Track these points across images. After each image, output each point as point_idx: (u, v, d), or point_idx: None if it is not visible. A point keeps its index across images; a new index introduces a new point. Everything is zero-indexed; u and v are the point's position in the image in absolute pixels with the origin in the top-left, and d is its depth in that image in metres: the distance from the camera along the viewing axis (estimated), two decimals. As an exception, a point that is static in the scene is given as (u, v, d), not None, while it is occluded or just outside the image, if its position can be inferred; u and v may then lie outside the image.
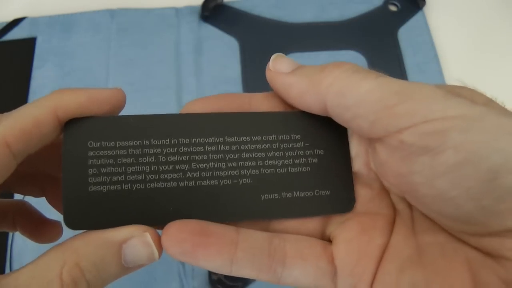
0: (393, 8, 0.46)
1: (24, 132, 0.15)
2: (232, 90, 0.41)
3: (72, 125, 0.16)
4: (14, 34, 0.43)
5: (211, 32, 0.44)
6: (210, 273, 0.34)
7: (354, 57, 0.43)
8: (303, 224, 0.17)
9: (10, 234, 0.35)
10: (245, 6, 0.45)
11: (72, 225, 0.15)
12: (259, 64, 0.43)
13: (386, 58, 0.43)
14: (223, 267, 0.16)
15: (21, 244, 0.34)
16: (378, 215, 0.17)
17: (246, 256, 0.16)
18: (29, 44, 0.43)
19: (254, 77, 0.42)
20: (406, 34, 0.44)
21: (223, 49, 0.43)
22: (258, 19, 0.45)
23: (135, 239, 0.15)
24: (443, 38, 0.44)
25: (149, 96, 0.41)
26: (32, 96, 0.40)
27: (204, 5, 0.44)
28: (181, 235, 0.15)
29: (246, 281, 0.34)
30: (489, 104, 0.15)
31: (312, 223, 0.17)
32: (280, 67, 0.17)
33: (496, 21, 0.46)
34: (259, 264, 0.16)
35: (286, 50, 0.43)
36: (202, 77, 0.42)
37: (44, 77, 0.41)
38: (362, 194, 0.18)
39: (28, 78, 0.41)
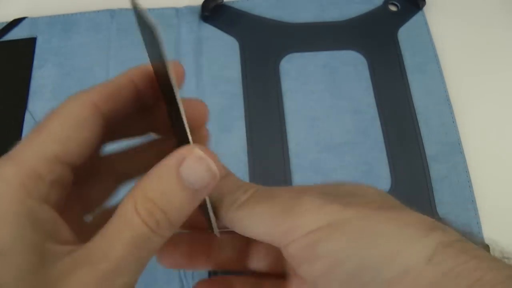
0: (393, 8, 0.46)
1: (109, 95, 0.17)
2: (232, 90, 0.41)
3: None
4: (14, 34, 0.43)
5: (211, 32, 0.44)
6: (210, 273, 0.34)
7: (354, 57, 0.43)
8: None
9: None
10: (245, 6, 0.45)
11: None
12: (259, 64, 0.43)
13: (386, 58, 0.43)
14: None
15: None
16: None
17: None
18: (29, 44, 0.43)
19: (254, 77, 0.42)
20: (406, 34, 0.44)
21: (223, 49, 0.43)
22: (258, 19, 0.45)
23: (188, 158, 0.15)
24: (443, 38, 0.44)
25: (149, 96, 0.41)
26: (32, 96, 0.40)
27: (204, 5, 0.44)
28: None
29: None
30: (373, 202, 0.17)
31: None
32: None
33: (496, 21, 0.46)
34: None
35: (286, 50, 0.43)
36: (202, 77, 0.42)
37: (44, 77, 0.41)
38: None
39: (28, 78, 0.41)
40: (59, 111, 0.16)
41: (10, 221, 0.13)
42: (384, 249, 0.15)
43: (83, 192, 0.19)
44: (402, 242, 0.15)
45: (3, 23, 0.44)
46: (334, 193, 0.17)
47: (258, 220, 0.17)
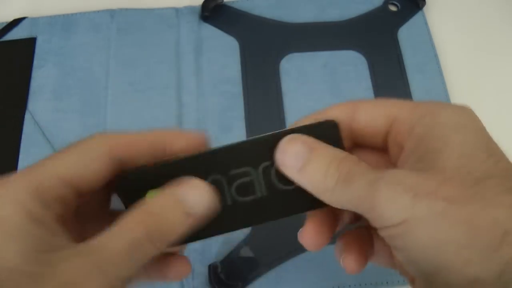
0: (393, 8, 0.46)
1: (127, 144, 0.19)
2: (232, 90, 0.41)
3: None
4: (14, 34, 0.43)
5: (211, 32, 0.44)
6: (210, 273, 0.34)
7: (354, 57, 0.43)
8: None
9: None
10: (245, 6, 0.45)
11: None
12: (259, 64, 0.43)
13: (386, 58, 0.43)
14: None
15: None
16: None
17: None
18: (29, 44, 0.43)
19: (254, 77, 0.42)
20: (406, 34, 0.44)
21: (223, 49, 0.43)
22: (258, 19, 0.45)
23: (187, 183, 0.18)
24: (443, 38, 0.44)
25: (149, 96, 0.41)
26: (32, 96, 0.40)
27: (204, 5, 0.44)
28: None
29: (245, 281, 0.34)
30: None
31: None
32: (288, 162, 0.19)
33: (496, 21, 0.46)
34: None
35: (286, 50, 0.43)
36: (202, 77, 0.42)
37: (44, 77, 0.41)
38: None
39: (28, 78, 0.41)
40: (77, 143, 0.18)
41: (19, 216, 0.16)
42: (453, 257, 0.15)
43: (82, 222, 0.20)
44: (473, 252, 0.15)
45: (3, 23, 0.44)
46: (416, 153, 0.18)
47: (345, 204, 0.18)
